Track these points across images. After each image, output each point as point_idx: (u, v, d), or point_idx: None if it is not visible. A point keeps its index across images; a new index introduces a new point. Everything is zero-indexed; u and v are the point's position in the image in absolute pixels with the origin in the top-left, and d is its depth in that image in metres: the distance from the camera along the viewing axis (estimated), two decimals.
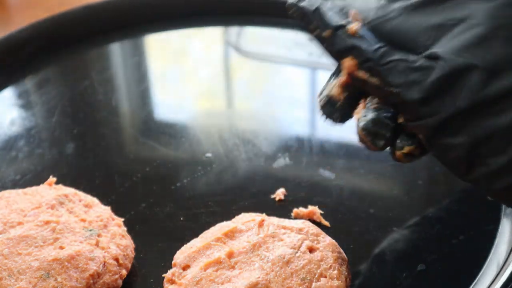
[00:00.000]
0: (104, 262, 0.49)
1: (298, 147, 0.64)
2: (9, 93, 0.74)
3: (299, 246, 0.49)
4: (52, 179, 0.56)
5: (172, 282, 0.48)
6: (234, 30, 0.83)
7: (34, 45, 0.77)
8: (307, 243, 0.49)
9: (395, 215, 0.56)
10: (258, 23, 0.82)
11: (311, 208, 0.56)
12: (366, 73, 0.41)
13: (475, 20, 0.38)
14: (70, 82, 0.76)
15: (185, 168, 0.62)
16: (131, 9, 0.83)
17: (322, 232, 0.51)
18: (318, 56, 0.75)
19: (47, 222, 0.50)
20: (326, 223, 0.55)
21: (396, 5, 0.40)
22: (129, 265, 0.51)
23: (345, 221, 0.56)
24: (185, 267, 0.49)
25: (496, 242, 0.53)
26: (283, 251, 0.48)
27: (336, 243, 0.50)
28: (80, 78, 0.76)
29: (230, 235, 0.50)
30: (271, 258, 0.48)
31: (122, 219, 0.54)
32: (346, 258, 0.49)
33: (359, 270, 0.51)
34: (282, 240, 0.49)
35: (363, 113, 0.44)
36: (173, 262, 0.50)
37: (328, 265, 0.48)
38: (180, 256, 0.50)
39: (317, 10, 0.43)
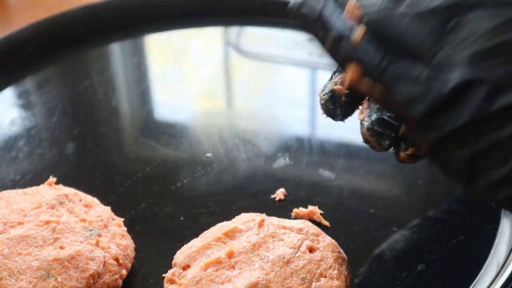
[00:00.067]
0: (104, 262, 0.49)
1: (298, 147, 0.64)
2: (9, 93, 0.74)
3: (299, 246, 0.49)
4: (52, 179, 0.56)
5: (172, 282, 0.48)
6: (234, 30, 0.83)
7: (34, 45, 0.77)
8: (307, 243, 0.49)
9: (395, 215, 0.56)
10: (258, 23, 0.82)
11: (311, 208, 0.56)
12: (371, 80, 0.41)
13: (481, 32, 0.38)
14: (70, 82, 0.76)
15: (185, 168, 0.62)
16: (131, 9, 0.83)
17: (322, 232, 0.51)
18: (318, 56, 0.75)
19: (47, 222, 0.50)
20: (326, 223, 0.55)
21: (401, 9, 0.39)
22: (129, 265, 0.51)
23: (345, 221, 0.56)
24: (185, 267, 0.49)
25: (496, 242, 0.53)
26: (283, 251, 0.48)
27: (336, 243, 0.50)
28: (80, 78, 0.76)
29: (230, 235, 0.50)
30: (271, 258, 0.48)
31: (122, 219, 0.54)
32: (346, 258, 0.49)
33: (359, 270, 0.51)
34: (282, 240, 0.49)
35: (368, 113, 0.44)
36: (173, 262, 0.50)
37: (328, 265, 0.48)
38: (180, 256, 0.50)
39: (320, 17, 0.41)
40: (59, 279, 0.47)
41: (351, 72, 0.41)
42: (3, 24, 0.95)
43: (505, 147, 0.37)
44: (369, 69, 0.40)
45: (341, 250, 0.50)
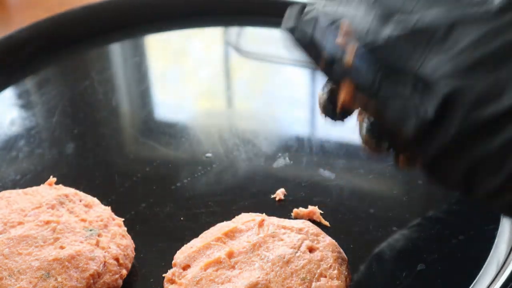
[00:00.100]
0: (105, 262, 0.49)
1: (298, 147, 0.64)
2: (9, 93, 0.74)
3: (299, 246, 0.49)
4: (53, 179, 0.56)
5: (172, 282, 0.48)
6: (234, 30, 0.83)
7: (34, 45, 0.77)
8: (307, 243, 0.49)
9: (395, 215, 0.56)
10: (258, 23, 0.82)
11: (311, 208, 0.56)
12: (364, 98, 0.41)
13: (463, 46, 0.38)
14: (70, 82, 0.76)
15: (185, 168, 0.62)
16: (131, 9, 0.83)
17: (322, 232, 0.51)
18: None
19: (48, 222, 0.50)
20: (326, 223, 0.55)
21: (389, 29, 0.40)
22: (129, 265, 0.51)
23: (345, 221, 0.56)
24: (185, 267, 0.49)
25: (496, 242, 0.53)
26: (283, 251, 0.48)
27: (336, 243, 0.50)
28: (80, 78, 0.76)
29: (230, 235, 0.50)
30: (271, 258, 0.48)
31: (122, 219, 0.54)
32: (346, 258, 0.49)
33: (359, 270, 0.51)
34: (282, 240, 0.49)
35: (367, 116, 0.44)
36: (173, 262, 0.50)
37: (328, 265, 0.48)
38: (180, 256, 0.50)
39: (311, 42, 0.42)
40: (59, 279, 0.47)
41: (344, 90, 0.41)
42: (3, 24, 0.95)
43: (497, 157, 0.37)
44: (362, 89, 0.41)
45: (341, 250, 0.50)
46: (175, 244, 0.51)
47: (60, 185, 0.56)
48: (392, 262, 0.52)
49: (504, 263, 0.50)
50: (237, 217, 0.53)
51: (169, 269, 0.49)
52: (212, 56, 0.82)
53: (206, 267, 0.48)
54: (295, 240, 0.49)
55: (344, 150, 0.64)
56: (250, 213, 0.53)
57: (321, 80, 0.46)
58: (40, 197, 0.53)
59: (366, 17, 0.40)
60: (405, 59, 0.39)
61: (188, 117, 0.72)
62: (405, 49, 0.39)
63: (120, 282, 0.50)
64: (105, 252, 0.50)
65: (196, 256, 0.49)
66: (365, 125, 0.43)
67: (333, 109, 0.46)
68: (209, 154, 0.64)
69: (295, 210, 0.56)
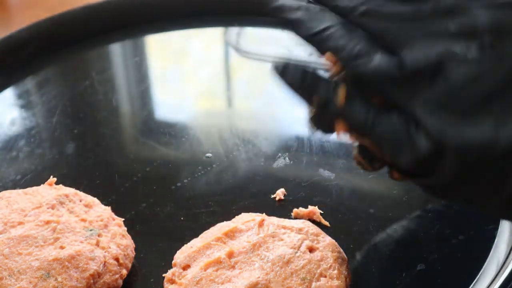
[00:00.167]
0: (105, 262, 0.49)
1: (298, 147, 0.64)
2: (9, 93, 0.74)
3: (299, 246, 0.49)
4: (53, 179, 0.56)
5: (172, 282, 0.48)
6: (234, 30, 0.83)
7: (34, 45, 0.77)
8: (307, 243, 0.49)
9: (395, 215, 0.56)
10: (258, 23, 0.82)
11: (311, 208, 0.56)
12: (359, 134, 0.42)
13: (452, 84, 0.37)
14: (71, 82, 0.76)
15: (185, 168, 0.62)
16: (131, 9, 0.83)
17: (322, 232, 0.51)
18: (318, 56, 0.75)
19: (48, 222, 0.50)
20: (326, 223, 0.55)
21: (376, 61, 0.39)
22: (129, 265, 0.51)
23: (345, 221, 0.56)
24: (185, 267, 0.49)
25: (496, 242, 0.53)
26: (283, 251, 0.48)
27: (336, 243, 0.50)
28: (81, 78, 0.76)
29: (230, 235, 0.50)
30: (271, 258, 0.48)
31: (123, 219, 0.54)
32: (346, 258, 0.49)
33: (359, 270, 0.51)
34: (282, 240, 0.49)
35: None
36: (173, 262, 0.50)
37: (328, 265, 0.48)
38: (180, 256, 0.50)
39: (301, 86, 0.43)
40: (59, 279, 0.47)
41: (340, 128, 0.42)
42: (3, 24, 0.95)
43: (493, 184, 0.38)
44: (355, 127, 0.41)
45: (341, 250, 0.50)
46: (175, 244, 0.51)
47: (60, 185, 0.56)
48: (392, 262, 0.52)
49: (504, 263, 0.50)
50: (237, 217, 0.53)
51: (169, 269, 0.49)
52: (212, 56, 0.82)
53: (206, 267, 0.48)
54: (295, 240, 0.49)
55: (344, 150, 0.64)
56: (250, 213, 0.53)
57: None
58: (40, 197, 0.53)
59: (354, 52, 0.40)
60: (396, 97, 0.39)
61: (188, 117, 0.72)
62: (398, 87, 0.38)
63: (120, 282, 0.50)
64: (105, 252, 0.50)
65: (196, 256, 0.49)
66: (357, 147, 0.44)
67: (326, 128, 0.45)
68: (209, 154, 0.64)
69: (295, 210, 0.56)
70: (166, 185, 0.60)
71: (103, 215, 0.53)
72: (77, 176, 0.61)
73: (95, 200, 0.55)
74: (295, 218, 0.56)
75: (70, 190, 0.55)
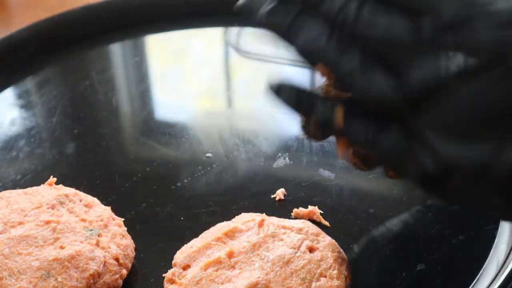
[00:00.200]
0: (105, 262, 0.49)
1: (298, 147, 0.64)
2: (9, 93, 0.74)
3: (299, 246, 0.49)
4: (53, 179, 0.56)
5: (172, 282, 0.48)
6: (234, 30, 0.83)
7: (34, 45, 0.77)
8: (307, 243, 0.49)
9: (395, 215, 0.56)
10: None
11: (311, 208, 0.56)
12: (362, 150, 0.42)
13: (455, 105, 0.36)
14: (71, 82, 0.76)
15: (185, 168, 0.62)
16: (131, 9, 0.83)
17: (322, 232, 0.51)
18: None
19: (48, 222, 0.50)
20: (326, 223, 0.55)
21: (377, 85, 0.37)
22: (129, 265, 0.51)
23: (345, 221, 0.56)
24: (185, 267, 0.49)
25: (496, 242, 0.53)
26: (283, 251, 0.48)
27: (336, 243, 0.50)
28: (81, 78, 0.76)
29: (230, 235, 0.50)
30: (271, 258, 0.48)
31: (123, 219, 0.54)
32: (346, 258, 0.49)
33: (359, 270, 0.51)
34: (282, 240, 0.49)
35: None
36: (173, 262, 0.50)
37: (328, 265, 0.48)
38: (180, 256, 0.50)
39: (298, 107, 0.42)
40: (59, 279, 0.47)
41: (340, 146, 0.42)
42: (3, 24, 0.95)
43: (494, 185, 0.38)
44: (357, 144, 0.41)
45: (341, 250, 0.50)
46: (175, 244, 0.51)
47: (60, 185, 0.56)
48: (392, 262, 0.52)
49: (504, 263, 0.50)
50: (237, 217, 0.53)
51: (169, 269, 0.49)
52: (212, 56, 0.82)
53: (206, 267, 0.48)
54: (295, 240, 0.49)
55: None
56: (250, 213, 0.53)
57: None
58: (40, 197, 0.53)
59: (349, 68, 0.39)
60: (398, 118, 0.38)
61: (188, 117, 0.72)
62: (396, 103, 0.38)
63: (120, 282, 0.50)
64: (105, 252, 0.50)
65: (196, 256, 0.49)
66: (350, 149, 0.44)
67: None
68: (209, 154, 0.64)
69: (295, 210, 0.56)
70: (166, 185, 0.60)
71: (103, 215, 0.53)
72: (77, 176, 0.61)
73: (95, 200, 0.55)
74: (295, 218, 0.56)
75: (70, 190, 0.55)
